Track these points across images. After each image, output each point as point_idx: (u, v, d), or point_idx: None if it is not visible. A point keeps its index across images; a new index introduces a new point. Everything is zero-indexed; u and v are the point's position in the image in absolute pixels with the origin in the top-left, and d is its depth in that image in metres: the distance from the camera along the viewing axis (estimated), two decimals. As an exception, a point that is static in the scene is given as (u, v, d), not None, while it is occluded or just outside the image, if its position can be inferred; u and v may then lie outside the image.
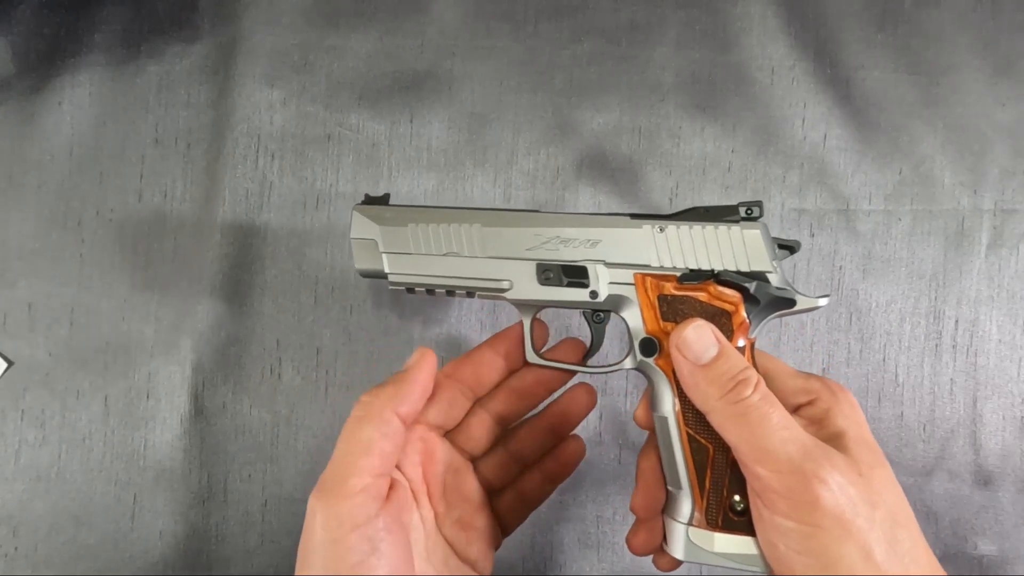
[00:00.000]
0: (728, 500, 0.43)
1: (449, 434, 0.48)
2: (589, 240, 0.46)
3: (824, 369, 0.63)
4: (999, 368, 0.63)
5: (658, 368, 0.45)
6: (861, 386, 0.63)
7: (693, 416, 0.43)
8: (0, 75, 0.63)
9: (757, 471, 0.39)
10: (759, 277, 0.45)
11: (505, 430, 0.50)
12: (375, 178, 0.63)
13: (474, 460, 0.49)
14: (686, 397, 0.43)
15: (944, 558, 0.62)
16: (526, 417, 0.51)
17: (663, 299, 0.45)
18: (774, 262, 0.45)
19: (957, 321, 0.63)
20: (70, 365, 0.61)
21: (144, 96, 0.63)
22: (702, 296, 0.45)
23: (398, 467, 0.44)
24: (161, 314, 0.62)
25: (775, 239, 0.47)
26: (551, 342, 0.62)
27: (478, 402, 0.49)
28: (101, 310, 0.62)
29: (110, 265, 0.62)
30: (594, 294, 0.46)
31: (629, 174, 0.63)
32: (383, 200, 0.49)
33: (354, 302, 0.62)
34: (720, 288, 0.45)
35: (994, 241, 0.64)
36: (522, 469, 0.50)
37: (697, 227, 0.46)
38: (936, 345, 0.63)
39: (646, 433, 0.49)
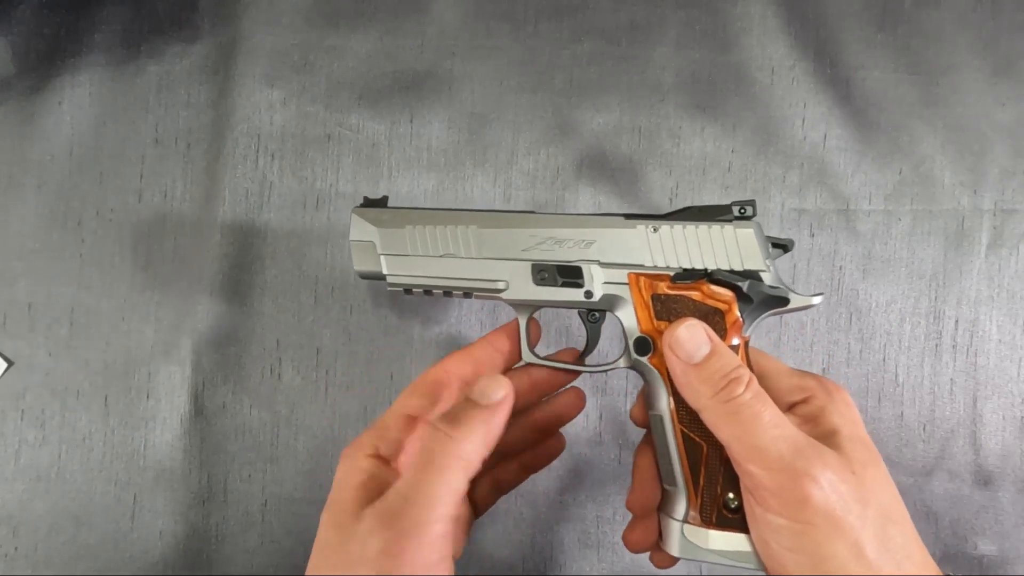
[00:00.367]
0: (722, 497, 0.43)
1: None
2: (583, 241, 0.47)
3: (824, 369, 0.63)
4: (999, 368, 0.63)
5: (652, 367, 0.45)
6: (861, 386, 0.63)
7: (687, 414, 0.44)
8: (0, 75, 0.63)
9: (749, 469, 0.39)
10: (752, 276, 0.45)
11: None
12: (375, 178, 0.63)
13: None
14: (680, 395, 0.44)
15: (944, 558, 0.62)
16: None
17: (657, 298, 0.46)
18: (767, 261, 0.45)
19: (957, 321, 0.63)
20: (70, 365, 0.61)
21: (144, 96, 0.63)
22: (695, 295, 0.45)
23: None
24: (161, 314, 0.62)
25: (769, 238, 0.47)
26: (551, 341, 0.63)
27: None
28: (101, 310, 0.62)
29: (110, 265, 0.62)
30: (589, 294, 0.46)
31: (629, 174, 0.63)
32: (382, 202, 0.50)
33: (354, 302, 0.62)
34: (713, 287, 0.45)
35: (994, 241, 0.64)
36: (500, 459, 0.50)
37: (690, 227, 0.46)
38: (936, 345, 0.63)
39: (644, 432, 0.50)
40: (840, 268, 0.63)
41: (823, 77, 0.64)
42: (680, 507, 0.44)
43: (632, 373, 0.48)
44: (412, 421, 0.44)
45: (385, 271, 0.48)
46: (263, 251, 0.62)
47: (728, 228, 0.46)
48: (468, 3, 0.64)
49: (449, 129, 0.63)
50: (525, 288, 0.47)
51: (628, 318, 0.46)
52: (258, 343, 0.62)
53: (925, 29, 0.64)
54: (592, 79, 0.64)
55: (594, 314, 0.49)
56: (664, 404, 0.45)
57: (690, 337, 0.42)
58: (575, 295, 0.47)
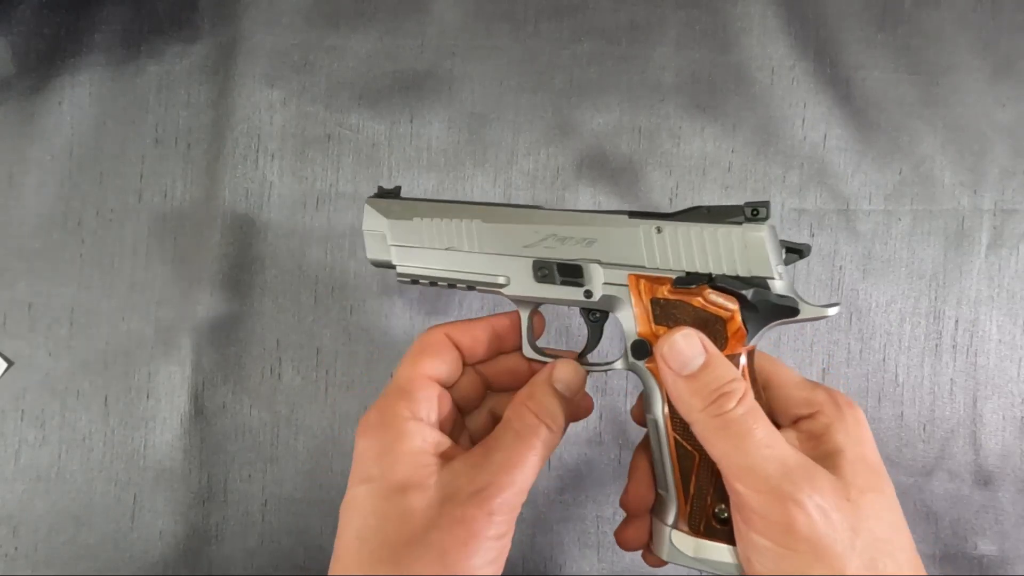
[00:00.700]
0: (712, 508, 0.42)
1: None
2: (585, 239, 0.46)
3: (824, 369, 0.63)
4: (999, 368, 0.63)
5: (648, 371, 0.44)
6: (861, 386, 0.63)
7: (681, 422, 0.43)
8: (0, 75, 0.63)
9: (735, 487, 0.38)
10: (758, 283, 0.42)
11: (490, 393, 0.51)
12: (375, 178, 0.63)
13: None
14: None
15: (944, 558, 0.62)
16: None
17: (656, 302, 0.44)
18: (779, 267, 0.43)
19: (957, 321, 0.63)
20: (70, 365, 0.61)
21: (144, 96, 0.63)
22: (696, 301, 0.43)
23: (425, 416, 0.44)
24: (161, 314, 0.62)
25: (784, 242, 0.44)
26: (551, 340, 0.63)
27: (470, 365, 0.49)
28: (101, 310, 0.62)
29: (110, 265, 0.62)
30: (588, 293, 0.46)
31: (629, 174, 0.63)
32: (395, 193, 0.50)
33: (354, 302, 0.62)
34: (714, 295, 0.43)
35: (994, 241, 0.64)
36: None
37: (696, 228, 0.44)
38: (936, 345, 0.63)
39: (645, 432, 0.49)
40: (840, 268, 0.63)
41: (823, 77, 0.64)
42: (670, 513, 0.44)
43: (632, 373, 0.48)
44: (432, 382, 0.44)
45: (394, 261, 0.48)
46: (263, 251, 0.62)
47: (736, 231, 0.43)
48: (468, 3, 0.64)
49: (449, 129, 0.63)
50: (526, 284, 0.47)
51: (627, 320, 0.45)
52: (258, 343, 0.62)
53: (925, 29, 0.64)
54: (592, 79, 0.64)
55: (595, 313, 0.48)
56: (659, 410, 0.44)
57: (684, 347, 0.41)
58: (575, 294, 0.46)
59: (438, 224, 0.48)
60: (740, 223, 0.43)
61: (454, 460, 0.41)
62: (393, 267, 0.49)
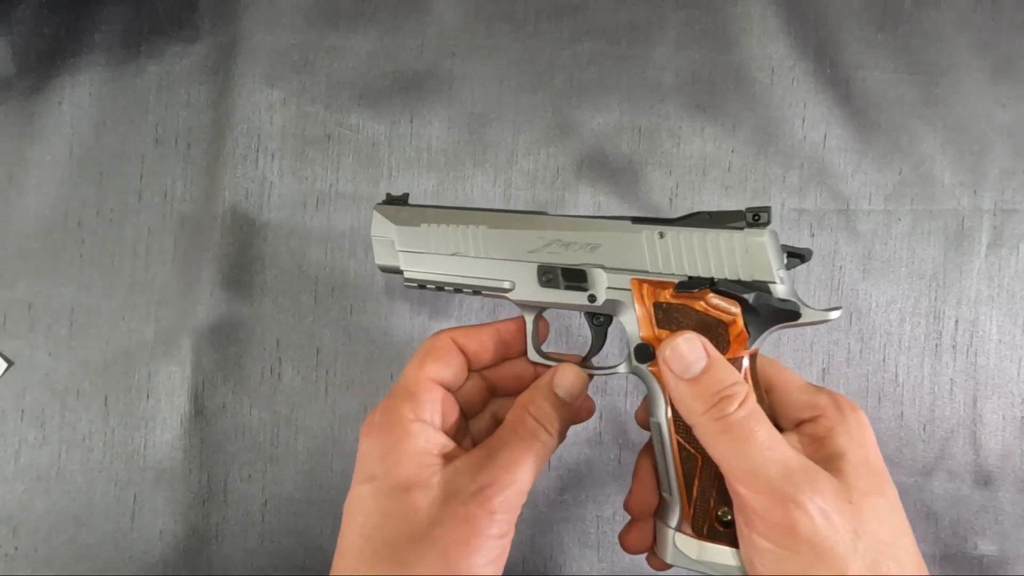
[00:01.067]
0: (715, 511, 0.43)
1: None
2: (589, 244, 0.46)
3: (824, 369, 0.63)
4: (999, 368, 0.63)
5: (652, 375, 0.45)
6: (861, 386, 0.63)
7: (683, 425, 0.43)
8: (0, 75, 0.63)
9: (737, 489, 0.39)
10: (760, 287, 0.43)
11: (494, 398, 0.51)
12: (375, 178, 0.63)
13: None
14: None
15: (944, 558, 0.62)
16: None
17: (659, 306, 0.44)
18: (780, 272, 0.43)
19: (957, 321, 0.63)
20: (70, 365, 0.61)
21: (144, 96, 0.63)
22: (699, 305, 0.43)
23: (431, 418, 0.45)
24: (161, 314, 0.62)
25: (786, 247, 0.45)
26: (551, 340, 0.63)
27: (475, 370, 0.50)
28: (101, 310, 0.62)
29: (110, 265, 0.62)
30: (592, 298, 0.46)
31: (629, 174, 0.63)
32: (403, 200, 0.51)
33: (354, 302, 0.62)
34: (716, 299, 0.43)
35: (994, 241, 0.64)
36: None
37: (698, 233, 0.44)
38: (936, 345, 0.63)
39: (647, 433, 0.50)
40: (840, 268, 0.63)
41: (823, 77, 0.64)
42: (674, 515, 0.44)
43: (634, 375, 0.48)
44: (436, 385, 0.44)
45: (402, 267, 0.49)
46: (263, 251, 0.62)
47: (738, 236, 0.43)
48: (468, 3, 0.64)
49: (449, 129, 0.63)
50: (530, 289, 0.47)
51: (630, 324, 0.46)
52: (258, 343, 0.62)
53: (925, 29, 0.64)
54: (592, 79, 0.64)
55: (598, 317, 0.48)
56: (662, 413, 0.44)
57: (686, 351, 0.41)
58: (579, 298, 0.46)
59: (444, 230, 0.49)
60: (742, 228, 0.44)
61: (456, 460, 0.41)
62: (401, 272, 0.49)
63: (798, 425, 0.43)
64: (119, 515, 0.61)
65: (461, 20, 0.64)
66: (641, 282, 0.45)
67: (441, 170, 0.63)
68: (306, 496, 0.61)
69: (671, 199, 0.63)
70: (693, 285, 0.43)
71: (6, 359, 0.61)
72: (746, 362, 0.43)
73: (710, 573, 0.42)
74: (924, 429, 0.63)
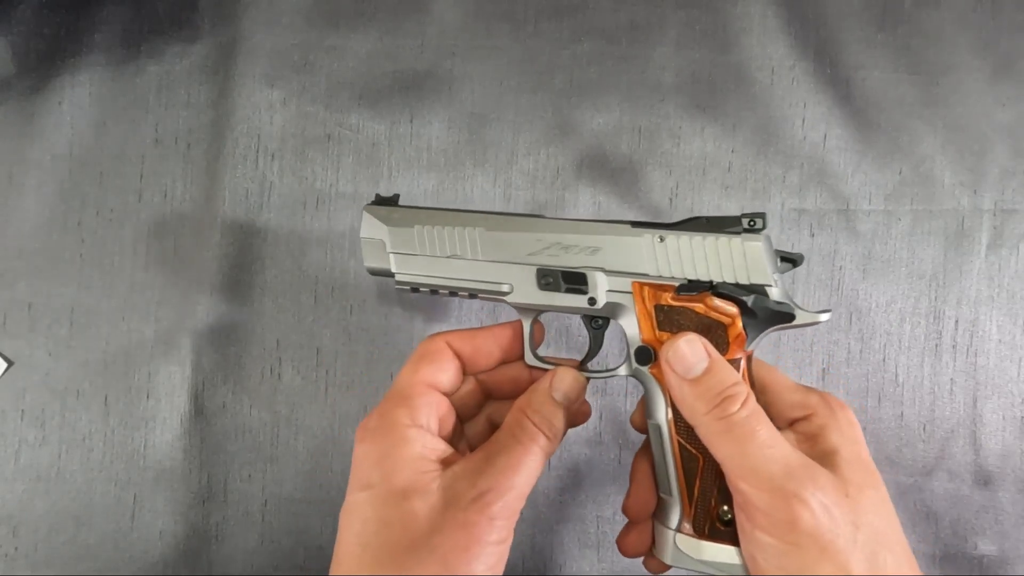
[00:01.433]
0: (716, 510, 0.43)
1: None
2: (589, 247, 0.46)
3: (824, 369, 0.63)
4: (999, 368, 0.63)
5: (652, 377, 0.45)
6: (861, 386, 0.63)
7: (684, 426, 0.43)
8: (0, 75, 0.63)
9: (740, 487, 0.39)
10: (758, 290, 0.44)
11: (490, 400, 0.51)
12: (375, 178, 0.63)
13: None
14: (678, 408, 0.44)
15: (944, 558, 0.62)
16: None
17: (660, 309, 0.45)
18: (775, 275, 0.44)
19: (957, 321, 0.63)
20: (70, 365, 0.61)
21: (144, 96, 0.63)
22: (699, 308, 0.44)
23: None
24: (161, 314, 0.62)
25: (778, 251, 0.46)
26: (550, 341, 0.63)
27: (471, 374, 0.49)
28: (101, 310, 0.62)
29: (110, 265, 0.62)
30: (592, 301, 0.46)
31: (629, 174, 0.63)
32: (393, 200, 0.50)
33: (354, 302, 0.62)
34: (717, 301, 0.44)
35: (994, 241, 0.64)
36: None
37: (697, 237, 0.45)
38: (936, 345, 0.63)
39: (645, 437, 0.50)
40: (840, 268, 0.63)
41: (823, 77, 0.64)
42: (674, 516, 0.44)
43: (631, 377, 0.48)
44: (432, 389, 0.44)
45: (394, 269, 0.48)
46: (263, 251, 0.62)
47: (736, 240, 0.44)
48: (468, 3, 0.64)
49: (449, 129, 0.63)
50: (529, 292, 0.47)
51: (630, 327, 0.46)
52: (258, 343, 0.62)
53: (925, 29, 0.64)
54: (592, 79, 0.64)
55: (597, 320, 0.48)
56: (662, 415, 0.45)
57: (688, 353, 0.42)
58: (579, 301, 0.46)
59: (440, 232, 0.48)
60: (739, 233, 0.45)
61: (455, 465, 0.41)
62: (392, 275, 0.48)
63: (791, 424, 0.44)
64: (119, 515, 0.61)
65: (461, 20, 0.64)
66: (642, 285, 0.46)
67: (441, 170, 0.63)
68: (306, 496, 0.61)
69: (671, 199, 0.63)
70: (694, 288, 0.44)
71: (6, 359, 0.61)
72: (743, 363, 0.44)
73: (712, 572, 0.42)
74: (924, 429, 0.63)
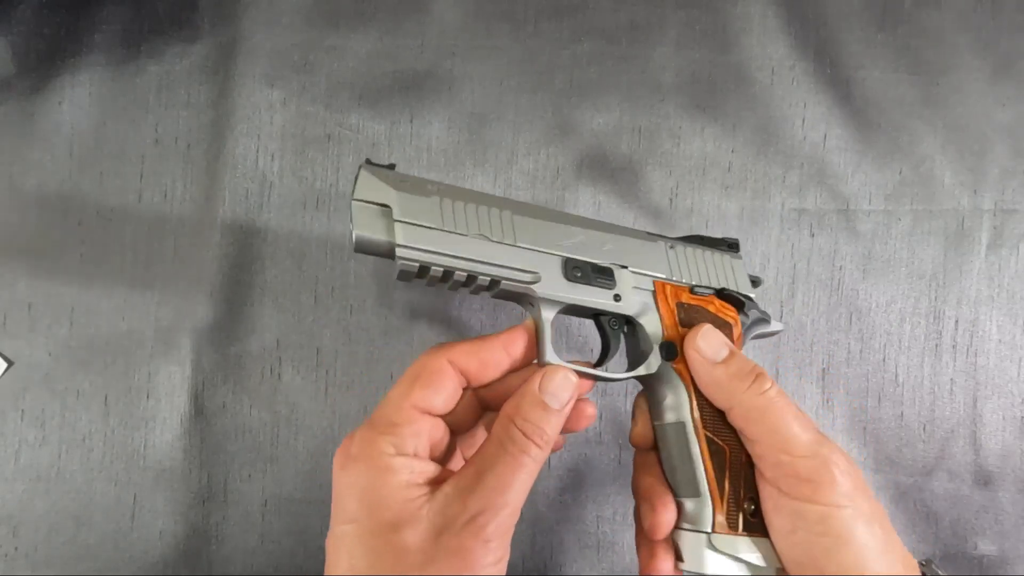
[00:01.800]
0: (744, 502, 0.43)
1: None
2: (614, 247, 0.48)
3: (824, 369, 0.63)
4: (999, 368, 0.63)
5: (676, 373, 0.46)
6: (861, 386, 0.63)
7: (711, 419, 0.45)
8: (0, 75, 0.63)
9: (780, 459, 0.41)
10: (748, 298, 0.50)
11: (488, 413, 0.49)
12: (375, 178, 0.63)
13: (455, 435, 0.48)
14: (704, 400, 0.45)
15: (944, 558, 0.62)
16: None
17: (681, 306, 0.48)
18: (751, 291, 0.52)
19: (957, 321, 0.63)
20: (70, 365, 0.61)
21: (144, 96, 0.63)
22: (712, 307, 0.49)
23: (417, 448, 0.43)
24: (161, 314, 0.62)
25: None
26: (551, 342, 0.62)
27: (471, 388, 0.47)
28: (101, 310, 0.61)
29: (110, 265, 0.62)
30: (617, 297, 0.47)
31: (629, 174, 0.63)
32: (390, 168, 0.43)
33: (354, 302, 0.62)
34: (723, 302, 0.50)
35: (994, 241, 0.63)
36: None
37: (698, 249, 0.51)
38: (936, 345, 0.63)
39: (644, 453, 0.49)
40: (840, 268, 0.63)
41: (823, 77, 0.64)
42: (706, 517, 0.43)
43: (637, 381, 0.48)
44: (423, 414, 0.42)
45: (399, 241, 0.40)
46: (263, 251, 0.62)
47: (726, 257, 0.52)
48: (468, 3, 0.64)
49: (449, 129, 0.63)
50: (557, 283, 0.44)
51: (652, 324, 0.47)
52: (258, 343, 0.62)
53: (925, 29, 0.64)
54: (592, 79, 0.64)
55: (613, 320, 0.48)
56: (687, 411, 0.45)
57: (713, 337, 0.45)
58: (605, 296, 0.46)
59: (465, 207, 0.42)
60: (723, 251, 0.52)
61: (445, 485, 0.39)
62: (389, 251, 0.40)
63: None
64: (119, 515, 0.61)
65: (461, 20, 0.64)
66: (664, 283, 0.49)
67: (441, 170, 0.63)
68: (306, 496, 0.61)
69: (671, 199, 0.63)
70: (706, 288, 0.50)
71: (6, 359, 0.61)
72: None
73: (756, 564, 0.42)
74: (924, 429, 0.63)
